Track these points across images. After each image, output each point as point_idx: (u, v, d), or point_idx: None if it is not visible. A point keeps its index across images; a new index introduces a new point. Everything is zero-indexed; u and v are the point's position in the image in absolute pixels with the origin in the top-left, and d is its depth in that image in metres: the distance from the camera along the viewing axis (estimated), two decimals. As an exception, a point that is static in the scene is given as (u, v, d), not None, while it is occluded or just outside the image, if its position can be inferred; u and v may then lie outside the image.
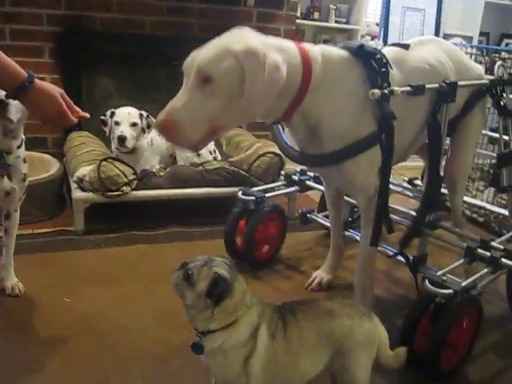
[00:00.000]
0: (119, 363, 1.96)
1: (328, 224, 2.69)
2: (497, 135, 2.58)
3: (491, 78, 2.45)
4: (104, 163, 2.93)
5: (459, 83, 2.12)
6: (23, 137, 2.16)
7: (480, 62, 4.47)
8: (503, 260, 2.09)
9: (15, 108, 1.98)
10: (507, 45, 5.54)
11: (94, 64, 3.59)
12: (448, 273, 2.02)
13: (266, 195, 2.78)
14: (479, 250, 2.15)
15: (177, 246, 2.90)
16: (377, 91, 1.83)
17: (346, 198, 2.58)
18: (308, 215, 2.93)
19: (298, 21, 4.28)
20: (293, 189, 3.01)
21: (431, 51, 2.22)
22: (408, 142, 2.20)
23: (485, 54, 4.57)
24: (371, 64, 1.90)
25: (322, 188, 2.73)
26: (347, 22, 4.92)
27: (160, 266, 2.61)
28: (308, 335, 1.57)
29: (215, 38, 1.73)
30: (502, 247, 2.16)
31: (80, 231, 2.96)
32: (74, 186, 3.01)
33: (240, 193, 2.75)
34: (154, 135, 3.28)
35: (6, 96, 1.74)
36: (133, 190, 3.03)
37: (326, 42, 4.63)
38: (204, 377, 1.78)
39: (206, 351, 1.55)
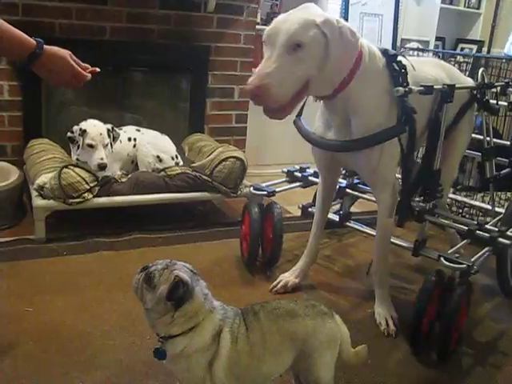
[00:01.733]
0: (83, 370, 1.94)
1: (330, 216, 2.81)
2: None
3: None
4: (65, 170, 2.91)
5: (456, 85, 2.38)
6: None
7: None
8: (500, 239, 2.32)
9: None
10: (462, 49, 5.68)
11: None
12: (454, 252, 2.27)
13: (277, 190, 2.89)
14: (478, 232, 2.36)
15: (139, 252, 2.89)
16: (401, 89, 2.10)
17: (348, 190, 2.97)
18: (309, 209, 2.95)
19: (258, 26, 4.31)
20: (297, 184, 3.06)
21: (431, 66, 2.53)
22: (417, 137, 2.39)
23: (441, 58, 4.67)
24: (394, 65, 2.17)
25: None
26: (307, 28, 4.96)
27: (123, 272, 2.60)
28: (271, 337, 1.59)
29: (290, 13, 1.99)
30: (496, 229, 2.39)
31: (41, 239, 2.92)
32: (34, 193, 2.98)
33: (252, 188, 2.90)
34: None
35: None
36: (94, 196, 3.01)
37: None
38: (167, 382, 1.79)
39: (168, 356, 1.55)
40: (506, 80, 3.11)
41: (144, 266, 1.57)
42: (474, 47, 5.62)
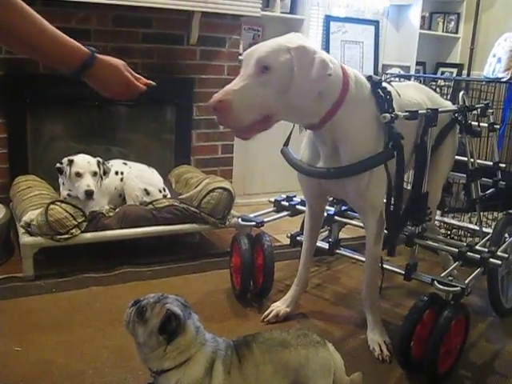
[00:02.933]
0: (74, 410, 1.92)
1: (319, 244, 2.83)
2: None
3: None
4: (52, 206, 2.90)
5: (440, 109, 2.45)
6: None
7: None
8: (491, 260, 2.32)
9: None
10: (443, 73, 5.76)
11: (39, 106, 3.57)
12: (447, 275, 2.24)
13: (265, 220, 2.88)
14: (469, 254, 2.38)
15: (129, 287, 2.86)
16: (388, 115, 2.12)
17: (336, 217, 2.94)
18: (297, 238, 2.94)
19: (240, 57, 4.35)
20: (286, 213, 3.05)
21: (413, 91, 2.57)
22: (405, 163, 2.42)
23: (423, 82, 4.73)
24: (378, 92, 2.19)
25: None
26: (289, 57, 5.02)
27: (113, 307, 2.58)
28: (264, 368, 1.58)
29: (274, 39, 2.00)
30: (486, 249, 2.40)
31: (29, 277, 2.89)
32: (21, 230, 2.96)
33: (240, 219, 2.89)
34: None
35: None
36: (82, 232, 2.99)
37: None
38: (162, 418, 1.76)
39: None
40: (486, 102, 3.13)
41: (135, 299, 1.56)
42: (454, 70, 5.70)
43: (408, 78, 4.35)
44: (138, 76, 1.75)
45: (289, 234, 2.99)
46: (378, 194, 2.27)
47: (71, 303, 2.68)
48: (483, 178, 3.00)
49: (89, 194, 3.04)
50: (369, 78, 2.22)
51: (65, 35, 1.54)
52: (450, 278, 2.20)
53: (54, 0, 3.30)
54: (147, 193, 3.35)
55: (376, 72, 5.47)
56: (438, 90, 4.78)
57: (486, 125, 3.00)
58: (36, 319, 2.51)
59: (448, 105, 2.79)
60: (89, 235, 3.02)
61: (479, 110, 2.90)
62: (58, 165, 3.11)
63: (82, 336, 2.38)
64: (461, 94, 2.86)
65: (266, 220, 2.89)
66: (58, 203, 2.95)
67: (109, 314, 2.54)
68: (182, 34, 3.92)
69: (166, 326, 1.48)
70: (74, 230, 2.95)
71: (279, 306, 2.62)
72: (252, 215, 2.91)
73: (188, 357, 1.52)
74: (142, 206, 3.25)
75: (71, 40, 1.54)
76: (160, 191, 3.43)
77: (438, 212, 3.39)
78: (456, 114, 2.70)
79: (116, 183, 3.35)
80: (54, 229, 2.88)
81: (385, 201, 2.31)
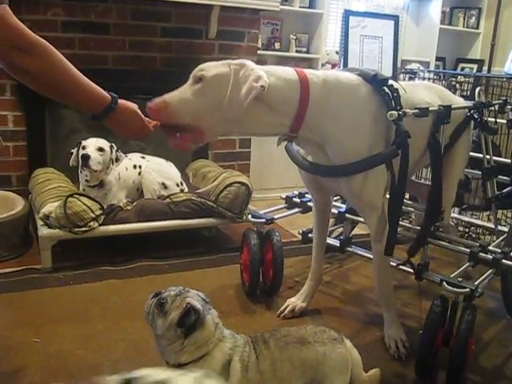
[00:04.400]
0: (91, 402, 1.93)
1: (330, 241, 2.81)
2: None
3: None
4: (70, 199, 2.92)
5: (452, 106, 2.40)
6: None
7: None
8: (503, 261, 2.26)
9: None
10: (463, 69, 5.71)
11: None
12: (457, 276, 2.17)
13: (275, 217, 2.87)
14: (481, 254, 2.31)
15: (146, 280, 2.88)
16: (395, 112, 2.06)
17: (347, 215, 2.91)
18: (309, 235, 2.93)
19: (259, 51, 4.35)
20: (296, 210, 3.04)
21: (423, 89, 2.52)
22: (413, 162, 2.38)
23: (442, 78, 4.69)
24: (384, 90, 2.14)
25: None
26: (307, 52, 5.01)
27: (130, 300, 2.60)
28: (281, 365, 1.58)
29: None
30: (499, 250, 2.33)
31: (47, 269, 2.92)
32: (40, 223, 2.99)
33: (250, 216, 2.89)
34: (121, 170, 3.28)
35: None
36: (100, 225, 3.01)
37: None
38: (178, 412, 1.76)
39: None
40: (504, 98, 3.05)
41: (156, 292, 1.57)
42: (475, 66, 5.65)
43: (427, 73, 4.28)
44: (147, 119, 1.88)
45: (300, 231, 3.00)
46: (374, 193, 2.22)
47: (88, 295, 2.70)
48: (501, 176, 2.93)
49: (85, 158, 3.06)
50: (374, 75, 2.17)
51: (89, 81, 1.67)
52: (460, 278, 2.12)
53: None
54: (165, 187, 3.35)
55: (395, 67, 5.42)
56: (457, 86, 4.74)
57: (503, 121, 2.92)
58: (54, 311, 2.53)
59: (461, 102, 2.72)
60: (106, 228, 3.04)
61: (497, 106, 2.83)
62: (71, 150, 3.19)
63: (99, 328, 2.40)
64: (477, 90, 2.82)
65: (276, 217, 2.88)
66: (77, 196, 2.97)
67: (126, 306, 2.55)
68: (200, 28, 3.92)
69: (184, 319, 1.49)
70: (92, 223, 2.96)
71: (295, 302, 2.62)
72: (262, 211, 2.91)
73: (205, 352, 1.52)
74: (159, 200, 3.26)
75: (96, 87, 1.70)
76: (177, 185, 3.44)
77: (456, 209, 3.36)
78: (471, 111, 2.64)
79: (134, 177, 3.37)
80: (72, 221, 2.90)
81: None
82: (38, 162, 3.56)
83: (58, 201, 2.99)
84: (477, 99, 2.75)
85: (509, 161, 3.02)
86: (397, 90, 2.17)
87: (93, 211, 2.97)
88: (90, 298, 2.67)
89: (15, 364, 2.12)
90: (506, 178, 2.94)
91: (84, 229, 2.94)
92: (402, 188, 2.15)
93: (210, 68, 1.93)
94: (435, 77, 4.33)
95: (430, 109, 2.27)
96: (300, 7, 4.82)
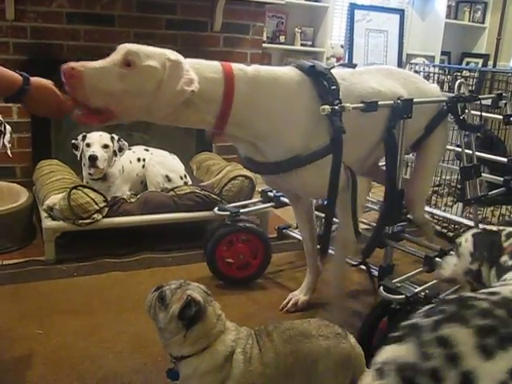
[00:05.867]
0: (95, 394, 1.94)
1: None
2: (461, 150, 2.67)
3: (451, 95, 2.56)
4: (74, 191, 2.92)
5: (415, 100, 2.23)
6: None
7: (443, 81, 4.59)
8: None
9: None
10: (468, 63, 5.69)
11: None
12: (406, 280, 2.10)
13: (241, 211, 2.85)
14: (437, 259, 2.20)
15: (150, 273, 2.88)
16: (327, 107, 1.95)
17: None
18: (284, 231, 2.94)
19: (264, 45, 4.34)
20: (269, 205, 3.03)
21: (382, 77, 2.33)
22: (363, 157, 2.30)
23: (447, 72, 4.67)
24: (322, 82, 2.03)
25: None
26: (313, 45, 5.00)
27: (133, 293, 2.60)
28: (284, 358, 1.58)
29: None
30: None
31: (51, 260, 2.92)
32: (43, 214, 2.99)
33: (216, 209, 2.88)
34: (125, 162, 3.28)
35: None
36: (104, 217, 3.01)
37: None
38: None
39: (181, 377, 1.54)
40: (499, 92, 2.91)
41: (158, 285, 1.57)
42: (480, 61, 5.63)
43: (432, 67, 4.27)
44: (66, 97, 1.78)
45: (276, 227, 2.97)
46: (318, 188, 2.13)
47: (92, 287, 2.70)
48: (494, 176, 2.85)
49: (92, 159, 3.07)
50: (311, 67, 2.05)
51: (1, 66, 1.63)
52: (398, 284, 2.01)
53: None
54: (168, 179, 3.35)
55: (400, 61, 5.41)
56: (463, 80, 4.72)
57: (498, 117, 2.83)
58: (57, 303, 2.54)
59: (434, 92, 2.55)
60: (110, 220, 3.04)
61: (491, 100, 2.69)
62: (73, 141, 3.18)
63: (102, 320, 2.40)
64: (457, 82, 2.64)
65: (242, 210, 2.88)
66: (81, 188, 2.97)
67: (129, 299, 2.55)
68: (205, 21, 3.91)
69: (185, 311, 1.49)
70: (95, 215, 2.97)
71: (297, 295, 2.61)
72: (232, 205, 2.91)
73: (207, 344, 1.53)
74: (163, 193, 3.26)
75: (7, 70, 1.64)
76: (181, 178, 3.44)
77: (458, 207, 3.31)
78: (448, 105, 2.47)
79: (138, 169, 3.37)
80: (76, 213, 2.90)
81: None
82: (42, 153, 3.56)
83: (61, 193, 2.99)
84: (456, 93, 2.59)
85: (499, 158, 2.87)
86: (335, 82, 2.05)
87: (96, 203, 2.97)
88: (94, 290, 2.68)
89: (19, 355, 2.12)
90: (495, 177, 2.86)
91: (88, 221, 2.94)
92: (336, 185, 2.05)
93: (144, 56, 1.80)
94: (440, 71, 4.32)
95: (381, 103, 2.12)
96: (305, 0, 4.81)
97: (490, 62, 5.52)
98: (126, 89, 1.78)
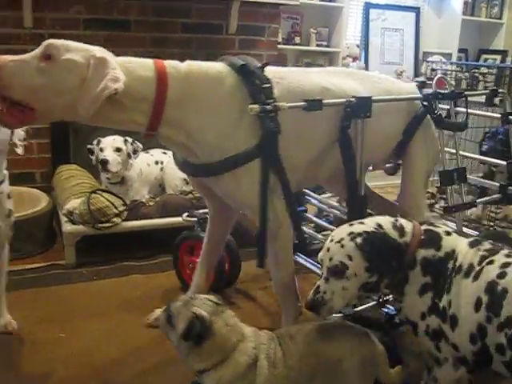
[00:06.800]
0: (117, 396, 1.95)
1: None
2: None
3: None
4: (93, 195, 2.94)
5: (373, 98, 2.05)
6: (6, 172, 2.16)
7: (460, 78, 4.55)
8: None
9: None
10: (486, 60, 5.63)
11: None
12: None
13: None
14: None
15: (169, 275, 2.87)
16: (255, 106, 1.83)
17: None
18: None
19: (279, 46, 4.34)
20: None
21: (326, 77, 2.17)
22: (315, 159, 2.13)
23: (464, 70, 4.64)
24: (253, 81, 1.92)
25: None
26: (328, 45, 4.98)
27: (153, 295, 2.62)
28: (307, 360, 1.57)
29: None
30: None
31: (71, 264, 2.95)
32: (64, 219, 3.01)
33: (185, 215, 2.80)
34: (143, 166, 3.30)
35: None
36: (123, 220, 3.03)
37: (307, 64, 4.69)
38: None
39: None
40: (493, 87, 2.74)
41: (168, 302, 1.57)
42: (498, 57, 5.57)
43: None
44: None
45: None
46: (249, 195, 1.97)
47: (112, 291, 2.72)
48: (489, 181, 2.69)
49: (104, 163, 3.09)
50: (242, 66, 1.94)
51: None
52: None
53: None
54: (187, 182, 3.36)
55: (417, 59, 5.38)
56: (480, 77, 4.67)
57: (495, 115, 2.62)
58: (78, 306, 2.56)
59: (407, 91, 2.35)
60: (129, 224, 3.06)
61: (486, 97, 2.44)
62: (88, 146, 3.21)
63: (123, 323, 2.42)
64: (436, 78, 2.42)
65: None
66: (100, 192, 3.00)
67: (149, 301, 2.56)
68: (220, 24, 3.92)
69: (190, 331, 1.48)
70: (115, 219, 2.99)
71: None
72: (202, 210, 2.72)
73: (225, 356, 1.52)
74: (181, 196, 3.27)
75: None
76: (199, 181, 3.44)
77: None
78: (424, 103, 2.27)
79: (156, 173, 3.39)
80: (95, 217, 2.92)
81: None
82: (61, 158, 3.59)
83: (81, 197, 3.02)
84: (433, 89, 2.33)
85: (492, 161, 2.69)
86: (268, 81, 1.95)
87: (116, 207, 2.99)
88: (114, 293, 2.70)
89: (42, 359, 2.14)
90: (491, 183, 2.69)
91: (107, 224, 2.97)
92: (266, 187, 1.92)
93: (64, 50, 1.73)
94: (458, 69, 4.29)
95: (326, 102, 1.95)
96: (320, 0, 4.80)
97: (509, 59, 5.47)
98: (45, 83, 1.71)
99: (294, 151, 1.98)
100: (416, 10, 5.41)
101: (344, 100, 2.01)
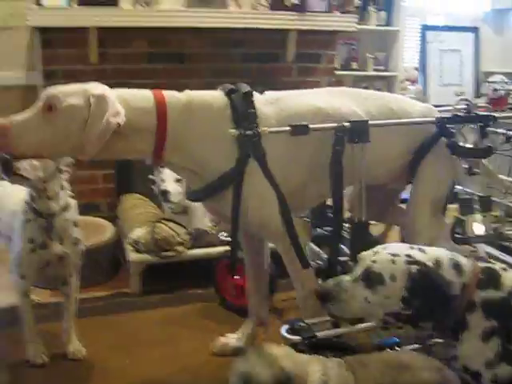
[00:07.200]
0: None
1: None
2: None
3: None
4: (158, 224, 2.99)
5: (370, 122, 1.98)
6: (71, 200, 2.23)
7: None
8: None
9: (30, 166, 2.03)
10: (551, 78, 5.48)
11: None
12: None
13: None
14: None
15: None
16: (234, 131, 1.86)
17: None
18: None
19: (337, 72, 4.35)
20: None
21: (322, 97, 2.15)
22: (305, 184, 2.10)
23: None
24: (235, 106, 1.95)
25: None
26: (385, 69, 4.97)
27: (218, 322, 2.63)
28: None
29: None
30: None
31: (137, 293, 3.00)
32: (129, 248, 3.07)
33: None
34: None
35: None
36: (187, 248, 3.07)
37: (364, 89, 4.68)
38: None
39: None
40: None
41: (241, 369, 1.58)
42: None
43: None
44: None
45: None
46: (260, 214, 2.00)
47: (177, 318, 2.75)
48: None
49: (164, 193, 3.10)
50: (230, 90, 1.99)
51: None
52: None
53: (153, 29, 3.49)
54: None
55: (477, 80, 5.29)
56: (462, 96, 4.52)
57: None
58: (143, 333, 2.60)
59: (425, 115, 2.22)
60: (193, 252, 3.10)
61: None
62: (150, 176, 3.25)
63: (188, 351, 2.44)
64: (458, 98, 2.28)
65: None
66: (164, 221, 3.04)
67: (213, 329, 2.58)
68: (277, 52, 3.97)
69: None
70: (179, 248, 3.02)
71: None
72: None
73: None
74: (242, 223, 3.28)
75: None
76: (260, 207, 3.45)
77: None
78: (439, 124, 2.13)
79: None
80: (160, 246, 2.97)
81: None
82: (125, 187, 3.68)
83: (145, 226, 3.07)
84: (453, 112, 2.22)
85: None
86: (251, 103, 1.96)
87: (179, 235, 3.03)
88: (178, 320, 2.73)
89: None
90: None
91: (171, 253, 3.01)
92: (236, 216, 1.93)
93: (63, 97, 1.79)
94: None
95: (314, 126, 1.90)
96: (376, 25, 4.80)
97: None
98: (51, 133, 1.79)
99: (283, 175, 1.97)
100: (474, 29, 5.34)
101: (334, 125, 1.94)
